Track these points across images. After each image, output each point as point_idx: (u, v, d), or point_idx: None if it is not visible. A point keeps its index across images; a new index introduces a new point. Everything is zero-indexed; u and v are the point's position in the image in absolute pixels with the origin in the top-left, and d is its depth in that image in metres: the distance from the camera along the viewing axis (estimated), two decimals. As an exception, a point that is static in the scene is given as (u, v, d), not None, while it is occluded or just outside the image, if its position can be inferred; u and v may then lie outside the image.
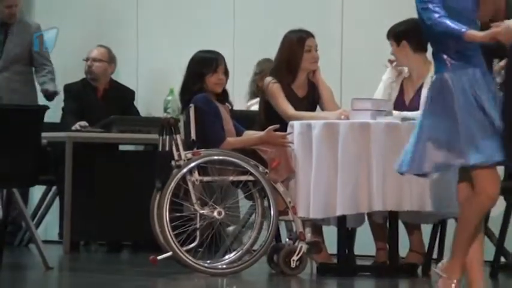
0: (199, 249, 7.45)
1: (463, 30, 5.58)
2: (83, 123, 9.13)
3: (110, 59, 9.61)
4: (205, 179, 7.51)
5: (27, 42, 9.69)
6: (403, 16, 7.82)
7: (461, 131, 5.57)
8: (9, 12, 9.71)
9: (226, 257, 7.61)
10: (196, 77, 7.87)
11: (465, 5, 5.63)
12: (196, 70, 7.94)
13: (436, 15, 5.72)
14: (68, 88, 9.54)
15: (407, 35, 7.94)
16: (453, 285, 5.49)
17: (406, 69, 8.30)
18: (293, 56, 8.03)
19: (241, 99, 8.96)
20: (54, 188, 9.21)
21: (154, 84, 9.86)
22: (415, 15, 6.07)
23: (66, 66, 10.13)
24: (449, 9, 5.66)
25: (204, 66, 7.94)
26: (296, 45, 8.01)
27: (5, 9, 9.65)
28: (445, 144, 5.57)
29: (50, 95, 9.68)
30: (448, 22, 5.70)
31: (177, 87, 8.28)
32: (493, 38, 5.38)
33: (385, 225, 7.80)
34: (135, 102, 9.93)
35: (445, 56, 5.87)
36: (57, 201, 9.34)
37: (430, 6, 5.73)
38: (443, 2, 5.71)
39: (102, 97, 9.50)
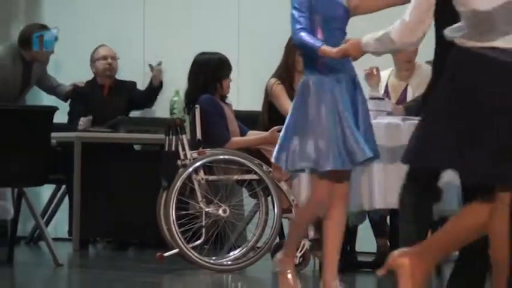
0: (205, 246, 7.56)
1: (318, 45, 5.64)
2: (87, 118, 9.14)
3: (113, 57, 9.64)
4: (211, 177, 7.60)
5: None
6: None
7: (309, 134, 5.71)
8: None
9: (231, 253, 7.65)
10: (213, 80, 7.95)
11: (335, 14, 5.70)
12: (214, 73, 8.01)
13: (297, 26, 5.79)
14: (74, 89, 9.58)
15: None
16: (289, 275, 5.63)
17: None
18: (290, 58, 8.11)
19: (246, 100, 8.98)
20: (63, 186, 9.21)
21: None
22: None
23: (75, 67, 10.04)
24: (319, 17, 5.72)
25: (223, 69, 8.08)
26: (292, 48, 8.02)
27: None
28: (298, 145, 5.72)
29: (66, 96, 9.68)
30: (305, 36, 5.76)
31: (182, 89, 8.29)
32: (344, 55, 5.41)
33: (385, 222, 7.94)
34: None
35: (312, 61, 5.95)
36: (66, 200, 9.31)
37: (296, 15, 5.78)
38: (313, 10, 5.75)
39: (107, 95, 9.55)
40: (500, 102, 4.59)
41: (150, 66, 9.50)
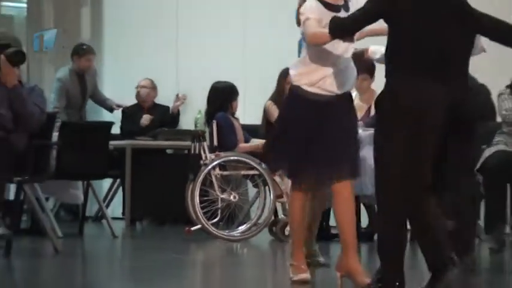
0: (220, 223, 7.70)
1: None
2: (149, 116, 9.24)
3: (153, 87, 9.46)
4: (224, 173, 7.74)
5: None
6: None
7: None
8: (89, 65, 9.47)
9: (239, 228, 7.80)
10: (225, 102, 8.03)
11: None
12: (226, 97, 8.09)
13: None
14: (124, 110, 9.48)
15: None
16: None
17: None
18: (281, 86, 7.98)
19: (250, 116, 8.79)
20: (118, 180, 9.16)
21: (186, 106, 9.62)
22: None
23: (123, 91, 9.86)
24: None
25: (233, 95, 8.12)
26: (282, 78, 7.94)
27: (85, 62, 9.41)
28: None
29: (113, 109, 9.60)
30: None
31: (201, 107, 8.43)
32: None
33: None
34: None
35: None
36: (120, 190, 9.26)
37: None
38: None
39: (147, 114, 9.34)
40: None
41: (177, 95, 9.40)
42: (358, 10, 4.56)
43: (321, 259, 5.73)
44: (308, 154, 4.86)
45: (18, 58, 6.18)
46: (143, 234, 8.76)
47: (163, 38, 9.95)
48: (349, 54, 5.02)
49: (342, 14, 4.89)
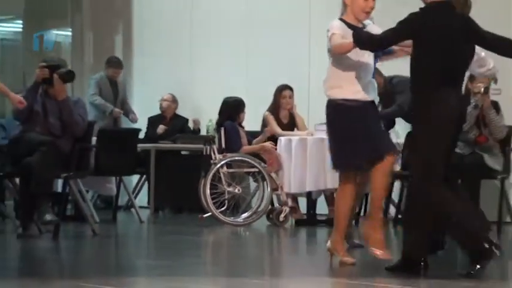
0: (227, 211, 7.60)
1: None
2: (163, 127, 9.10)
3: (173, 100, 9.32)
4: (230, 170, 7.64)
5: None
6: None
7: None
8: (115, 76, 9.41)
9: (242, 215, 7.76)
10: (234, 113, 7.93)
11: None
12: (235, 109, 7.98)
13: None
14: (149, 119, 9.39)
15: None
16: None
17: None
18: (277, 100, 8.06)
19: (252, 124, 8.52)
20: (144, 176, 9.08)
21: (199, 116, 9.47)
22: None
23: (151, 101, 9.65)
24: None
25: (240, 107, 7.99)
26: (278, 93, 8.06)
27: (112, 73, 9.36)
28: None
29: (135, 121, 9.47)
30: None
31: (215, 118, 8.26)
32: None
33: (332, 196, 7.41)
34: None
35: None
36: (146, 184, 9.20)
37: None
38: None
39: (168, 123, 9.24)
40: None
41: (193, 120, 9.31)
42: (389, 30, 4.41)
43: (356, 241, 5.57)
44: (357, 150, 4.66)
45: (69, 77, 6.29)
46: (164, 220, 8.71)
47: (181, 59, 9.87)
48: (372, 69, 4.80)
49: None
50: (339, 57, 4.68)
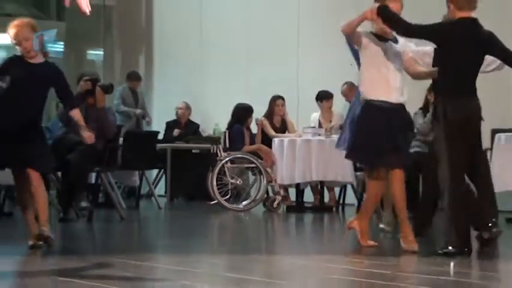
0: (230, 199, 7.53)
1: None
2: (178, 131, 8.95)
3: (187, 108, 9.17)
4: (233, 165, 7.64)
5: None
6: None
7: None
8: (135, 86, 9.22)
9: (243, 203, 7.68)
10: (242, 118, 7.84)
11: None
12: (244, 114, 7.89)
13: None
14: (167, 123, 9.21)
15: None
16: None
17: None
18: (271, 108, 8.02)
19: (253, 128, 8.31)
20: (162, 170, 8.92)
21: (208, 120, 9.28)
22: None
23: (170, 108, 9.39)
24: None
25: (248, 113, 7.89)
26: (272, 102, 8.00)
27: (132, 84, 9.20)
28: None
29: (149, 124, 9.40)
30: None
31: (220, 122, 8.29)
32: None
33: (317, 187, 7.64)
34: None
35: None
36: (163, 177, 9.04)
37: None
38: None
39: (183, 127, 9.06)
40: None
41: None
42: (419, 24, 4.11)
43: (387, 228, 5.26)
44: (385, 148, 4.41)
45: (110, 89, 6.37)
46: (178, 207, 8.64)
47: (192, 75, 9.79)
48: (400, 76, 4.46)
49: (388, 44, 4.43)
50: (371, 64, 4.41)
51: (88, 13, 2.06)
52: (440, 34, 4.16)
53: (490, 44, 4.17)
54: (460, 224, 4.07)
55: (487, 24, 4.22)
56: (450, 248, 4.05)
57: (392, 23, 4.16)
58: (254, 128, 8.24)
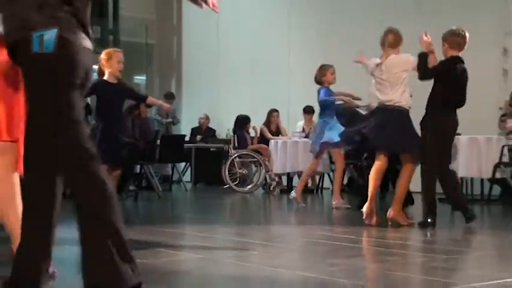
0: (238, 184, 7.50)
1: None
2: (199, 137, 8.87)
3: (206, 118, 9.06)
4: (240, 159, 7.62)
5: None
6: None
7: None
8: (171, 102, 8.68)
9: (248, 187, 7.63)
10: (243, 125, 7.86)
11: None
12: (244, 122, 7.89)
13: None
14: (192, 129, 9.10)
15: None
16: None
17: None
18: (269, 118, 7.97)
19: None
20: (188, 163, 8.65)
21: (222, 127, 8.97)
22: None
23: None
24: None
25: (246, 122, 7.90)
26: (270, 114, 7.96)
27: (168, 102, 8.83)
28: None
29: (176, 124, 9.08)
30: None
31: (231, 128, 8.16)
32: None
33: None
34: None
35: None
36: (189, 168, 8.81)
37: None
38: None
39: (203, 132, 8.93)
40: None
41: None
42: (431, 67, 3.90)
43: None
44: (399, 142, 3.95)
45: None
46: (200, 190, 8.51)
47: (211, 93, 9.67)
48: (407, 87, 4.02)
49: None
50: (398, 79, 3.99)
51: (217, 11, 1.97)
52: (440, 71, 3.99)
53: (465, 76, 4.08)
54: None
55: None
56: (429, 220, 3.87)
57: (421, 71, 3.99)
58: (253, 131, 8.17)
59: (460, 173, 5.55)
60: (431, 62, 3.96)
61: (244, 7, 9.19)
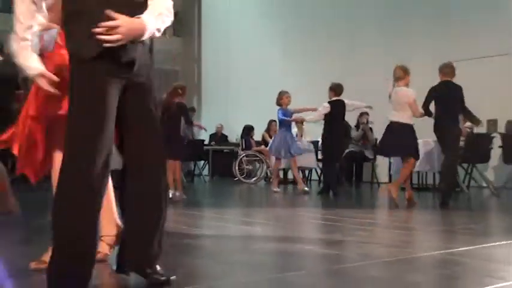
0: (246, 177, 7.51)
1: None
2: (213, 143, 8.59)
3: (221, 127, 8.70)
4: (247, 158, 7.64)
5: None
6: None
7: None
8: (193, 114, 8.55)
9: (253, 179, 7.60)
10: (249, 132, 7.83)
11: None
12: (249, 131, 7.86)
13: None
14: (210, 135, 8.64)
15: None
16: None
17: None
18: (269, 126, 7.75)
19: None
20: (206, 161, 8.56)
21: (234, 134, 8.91)
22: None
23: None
24: None
25: (251, 131, 7.81)
26: (269, 124, 7.74)
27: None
28: None
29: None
30: None
31: (239, 134, 8.12)
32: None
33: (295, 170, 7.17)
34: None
35: None
36: (207, 165, 8.65)
37: None
38: None
39: (218, 139, 8.76)
40: None
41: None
42: (426, 98, 3.97)
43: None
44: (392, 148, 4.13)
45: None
46: (216, 181, 8.31)
47: (222, 106, 9.61)
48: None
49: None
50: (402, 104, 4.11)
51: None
52: (433, 97, 4.05)
53: (461, 96, 4.09)
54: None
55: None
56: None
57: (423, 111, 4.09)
58: (256, 136, 8.07)
59: (418, 168, 5.46)
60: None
61: (248, 43, 9.23)
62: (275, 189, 5.53)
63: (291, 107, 5.58)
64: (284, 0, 8.59)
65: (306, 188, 5.42)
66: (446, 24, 6.72)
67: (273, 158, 7.21)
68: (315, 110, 5.25)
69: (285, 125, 5.36)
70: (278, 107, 5.40)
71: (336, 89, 5.00)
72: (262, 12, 9.04)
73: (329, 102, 4.97)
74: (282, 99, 5.52)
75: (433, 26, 6.69)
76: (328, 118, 5.04)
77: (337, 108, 4.99)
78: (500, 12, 6.26)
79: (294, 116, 5.50)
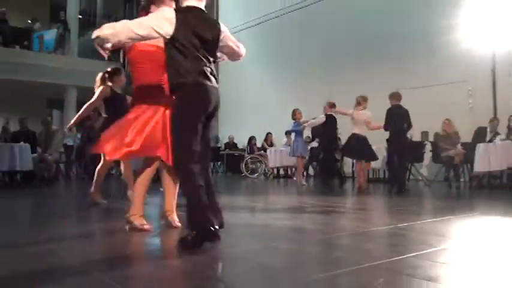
0: (250, 173, 7.34)
1: None
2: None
3: (233, 137, 8.30)
4: (251, 160, 7.49)
5: None
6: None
7: None
8: None
9: (255, 175, 7.39)
10: (252, 141, 7.51)
11: None
12: (252, 140, 7.53)
13: None
14: (224, 143, 8.41)
15: None
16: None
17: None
18: (267, 137, 7.67)
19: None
20: (220, 162, 8.34)
21: (242, 143, 8.46)
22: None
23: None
24: None
25: (253, 140, 7.50)
26: (267, 136, 7.62)
27: None
28: None
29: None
30: None
31: (245, 142, 7.93)
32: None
33: (286, 168, 7.16)
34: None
35: None
36: (222, 165, 8.47)
37: None
38: None
39: (231, 147, 8.34)
40: None
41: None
42: (385, 119, 3.91)
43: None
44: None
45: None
46: (228, 177, 8.01)
47: (235, 122, 9.34)
48: None
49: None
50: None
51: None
52: (388, 118, 4.04)
53: (407, 116, 4.06)
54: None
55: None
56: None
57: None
58: (257, 144, 7.77)
59: (373, 166, 5.50)
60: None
61: (252, 80, 8.98)
62: (302, 183, 5.34)
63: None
64: (273, 54, 8.43)
65: (304, 183, 5.41)
66: (396, 61, 6.81)
67: (271, 160, 7.15)
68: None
69: (297, 133, 5.40)
70: (293, 121, 5.42)
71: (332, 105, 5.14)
72: (262, 62, 8.77)
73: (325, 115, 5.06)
74: (295, 114, 5.54)
75: (388, 63, 6.79)
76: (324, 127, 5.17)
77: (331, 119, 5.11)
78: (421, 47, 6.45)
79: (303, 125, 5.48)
